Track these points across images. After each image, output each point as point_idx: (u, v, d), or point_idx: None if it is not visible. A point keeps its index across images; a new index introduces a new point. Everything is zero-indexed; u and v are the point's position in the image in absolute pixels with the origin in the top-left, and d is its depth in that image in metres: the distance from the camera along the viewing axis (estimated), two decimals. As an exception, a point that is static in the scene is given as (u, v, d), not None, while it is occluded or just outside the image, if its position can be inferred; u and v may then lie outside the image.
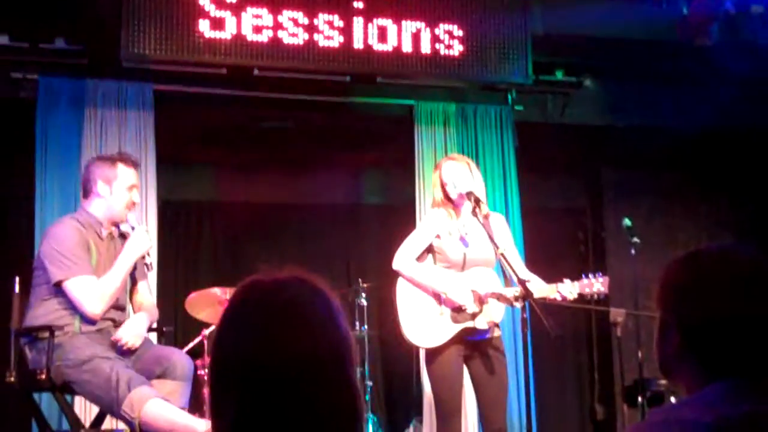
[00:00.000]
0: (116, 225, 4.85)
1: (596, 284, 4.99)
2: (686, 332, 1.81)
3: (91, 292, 4.49)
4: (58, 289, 4.52)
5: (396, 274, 5.15)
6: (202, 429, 4.18)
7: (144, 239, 4.75)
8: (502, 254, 4.91)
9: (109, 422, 5.09)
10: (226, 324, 1.63)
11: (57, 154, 6.84)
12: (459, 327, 4.99)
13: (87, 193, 4.80)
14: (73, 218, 4.78)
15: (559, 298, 4.96)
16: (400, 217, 7.51)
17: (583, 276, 5.02)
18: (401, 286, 5.12)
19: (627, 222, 6.94)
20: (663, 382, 7.67)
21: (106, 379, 4.25)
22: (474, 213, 5.03)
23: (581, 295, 4.98)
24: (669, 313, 1.86)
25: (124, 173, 4.77)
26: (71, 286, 4.49)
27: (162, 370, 4.42)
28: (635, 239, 6.82)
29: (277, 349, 1.54)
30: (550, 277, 5.09)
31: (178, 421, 4.23)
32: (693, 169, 9.09)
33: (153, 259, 4.98)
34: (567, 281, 4.98)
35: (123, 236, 4.88)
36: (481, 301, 4.98)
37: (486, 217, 5.05)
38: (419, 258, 5.16)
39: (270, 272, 1.67)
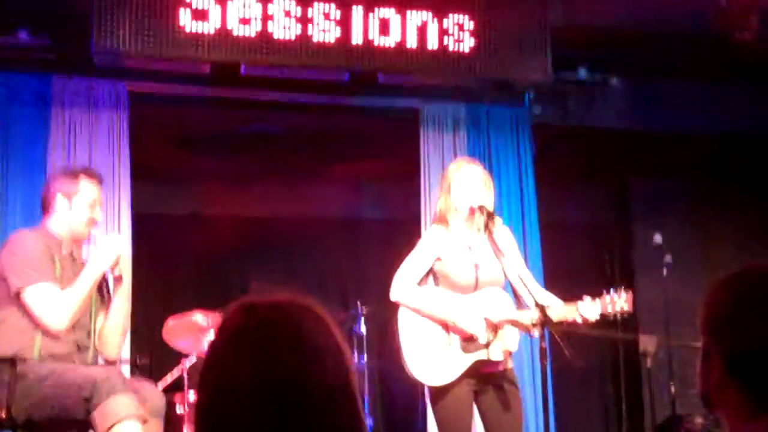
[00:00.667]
0: (77, 245, 4.88)
1: (618, 301, 4.96)
2: (729, 361, 1.81)
3: (54, 302, 4.51)
4: (17, 304, 4.53)
5: (396, 306, 5.13)
6: None
7: (112, 245, 4.77)
8: (519, 277, 4.91)
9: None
10: (220, 352, 1.64)
11: (20, 160, 6.86)
12: (471, 359, 4.95)
13: (46, 208, 4.84)
14: (34, 231, 4.82)
15: (579, 321, 4.95)
16: (404, 233, 7.50)
17: (604, 292, 5.01)
18: (403, 314, 5.07)
19: (658, 238, 6.96)
20: (699, 420, 7.67)
21: (71, 383, 4.28)
22: (486, 229, 5.02)
23: (603, 315, 4.97)
24: (711, 340, 1.86)
25: (87, 188, 4.81)
26: (32, 295, 4.50)
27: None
28: (667, 257, 6.83)
29: (283, 378, 1.56)
30: (572, 301, 5.08)
31: None
32: (733, 177, 9.07)
33: (125, 272, 4.97)
34: (587, 299, 4.96)
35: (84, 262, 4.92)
36: (495, 328, 4.97)
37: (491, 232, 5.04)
38: (419, 282, 5.14)
39: (264, 295, 1.68)
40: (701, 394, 1.89)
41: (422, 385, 6.31)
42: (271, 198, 8.81)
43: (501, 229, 5.17)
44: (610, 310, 4.95)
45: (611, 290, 5.00)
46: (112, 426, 4.18)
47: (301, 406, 1.55)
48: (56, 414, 4.39)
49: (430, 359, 4.98)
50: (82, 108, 7.01)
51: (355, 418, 1.62)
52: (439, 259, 5.10)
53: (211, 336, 6.37)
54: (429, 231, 5.27)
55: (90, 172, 4.92)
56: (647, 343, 6.33)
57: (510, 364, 5.14)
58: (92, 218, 4.83)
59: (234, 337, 1.64)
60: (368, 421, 7.42)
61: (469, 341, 4.96)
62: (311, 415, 1.55)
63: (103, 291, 4.94)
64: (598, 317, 4.95)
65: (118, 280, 4.91)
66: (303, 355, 1.59)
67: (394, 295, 5.08)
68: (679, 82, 8.44)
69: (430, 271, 5.15)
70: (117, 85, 7.10)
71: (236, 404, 1.56)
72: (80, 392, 4.26)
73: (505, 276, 5.09)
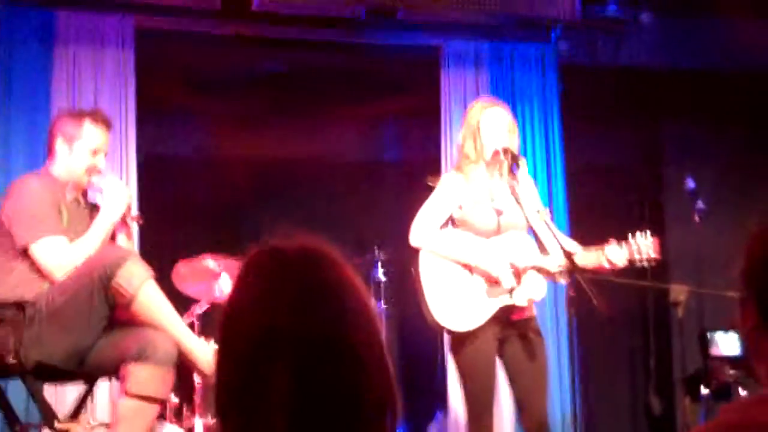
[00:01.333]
0: (81, 192, 4.89)
1: (643, 246, 5.00)
2: (765, 312, 1.81)
3: (63, 256, 4.53)
4: (25, 256, 4.56)
5: (416, 251, 5.14)
6: (194, 345, 4.44)
7: (122, 193, 4.80)
8: (545, 221, 4.92)
9: (86, 414, 5.15)
10: (241, 298, 1.63)
11: (23, 99, 6.86)
12: (497, 304, 4.98)
13: (49, 151, 4.84)
14: (39, 177, 4.83)
15: (606, 266, 4.97)
16: (424, 175, 7.51)
17: (630, 238, 5.02)
18: (425, 258, 5.09)
19: (690, 183, 6.94)
20: (732, 371, 7.70)
21: (83, 271, 4.38)
22: (510, 173, 5.02)
23: (630, 262, 4.99)
24: (747, 287, 1.86)
25: (90, 133, 4.78)
26: (40, 249, 4.53)
27: (139, 350, 4.42)
28: (700, 204, 6.81)
29: (307, 328, 1.55)
30: (598, 245, 5.08)
31: (171, 321, 4.45)
32: (770, 121, 9.04)
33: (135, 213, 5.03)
34: (613, 243, 4.98)
35: (93, 206, 4.93)
36: (519, 274, 4.98)
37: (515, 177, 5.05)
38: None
39: (284, 239, 1.67)
40: (741, 341, 1.90)
41: (442, 334, 6.37)
42: (284, 140, 8.80)
43: (522, 173, 5.16)
44: (637, 256, 4.97)
45: (637, 235, 5.01)
46: (141, 285, 4.31)
47: (324, 357, 1.55)
48: (64, 317, 4.41)
49: (455, 304, 5.00)
50: (87, 44, 7.00)
51: (386, 373, 1.62)
52: (460, 207, 5.11)
53: (223, 281, 6.41)
54: (447, 177, 5.25)
55: (96, 116, 4.86)
56: (678, 292, 6.33)
57: (534, 312, 5.15)
58: (93, 165, 4.80)
59: (256, 283, 1.63)
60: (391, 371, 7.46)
61: (494, 286, 4.97)
62: (336, 367, 1.55)
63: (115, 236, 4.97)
64: (625, 263, 4.96)
65: (123, 224, 4.93)
66: (328, 305, 1.59)
67: (415, 239, 5.09)
68: (715, 18, 8.36)
69: (450, 218, 5.16)
70: (124, 21, 7.08)
71: (257, 354, 1.55)
72: (92, 273, 4.32)
73: (528, 222, 5.08)
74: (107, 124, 4.88)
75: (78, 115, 4.87)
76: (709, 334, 6.41)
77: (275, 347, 1.54)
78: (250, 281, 1.64)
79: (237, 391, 1.58)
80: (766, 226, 1.90)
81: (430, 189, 5.27)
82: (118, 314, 4.44)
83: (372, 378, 1.59)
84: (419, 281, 5.08)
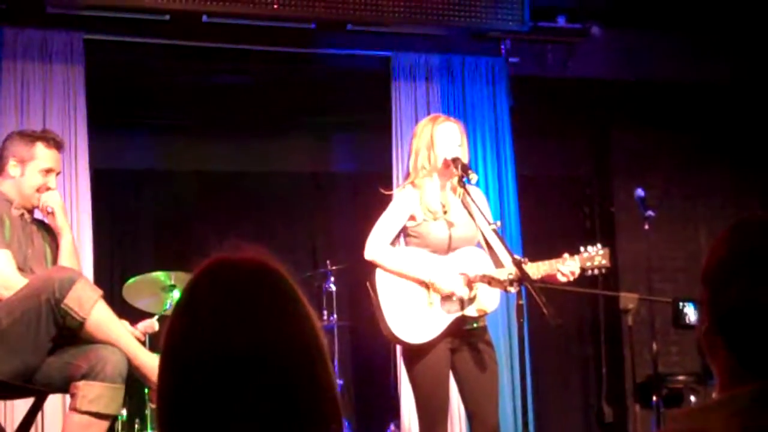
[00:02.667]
0: (29, 210, 4.87)
1: (597, 257, 5.06)
2: (717, 317, 1.79)
3: (6, 269, 4.50)
4: None
5: (370, 264, 5.14)
6: (147, 360, 4.35)
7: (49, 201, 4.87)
8: (494, 230, 4.93)
9: (34, 430, 5.10)
10: (189, 310, 1.60)
11: (-30, 116, 6.79)
12: (452, 317, 5.00)
13: (0, 169, 4.83)
14: None
15: (558, 276, 5.00)
16: (375, 187, 7.50)
17: (581, 249, 5.07)
18: (381, 273, 5.10)
19: (639, 193, 6.97)
20: (681, 377, 7.75)
21: (27, 296, 4.30)
22: (460, 183, 5.04)
23: (582, 270, 5.03)
24: (704, 290, 1.84)
25: (42, 155, 4.80)
26: None
27: (89, 368, 4.40)
28: (649, 212, 6.85)
29: (260, 339, 1.53)
30: (551, 257, 5.11)
31: (124, 338, 4.37)
32: (717, 130, 9.11)
33: (65, 225, 4.99)
34: (566, 256, 5.02)
35: (40, 221, 4.92)
36: (470, 284, 5.00)
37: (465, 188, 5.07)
38: (391, 243, 5.16)
39: (233, 251, 1.64)
40: (697, 342, 1.87)
41: (394, 345, 6.36)
42: (235, 152, 8.77)
43: (473, 188, 5.18)
44: (588, 264, 5.02)
45: (588, 246, 5.07)
46: (92, 307, 4.26)
47: (277, 369, 1.53)
48: (20, 342, 4.36)
49: (410, 317, 5.00)
50: (36, 59, 6.93)
51: (328, 385, 1.60)
52: (412, 218, 5.11)
53: (174, 295, 6.38)
54: (401, 191, 5.24)
55: (48, 138, 4.87)
56: (628, 300, 6.33)
57: (484, 322, 5.17)
58: (44, 184, 4.81)
59: (205, 294, 1.60)
60: (338, 382, 7.45)
61: (448, 300, 4.99)
62: (288, 379, 1.53)
63: (56, 243, 4.94)
64: (577, 273, 5.00)
65: (60, 233, 4.91)
66: (282, 315, 1.57)
67: (369, 254, 5.09)
68: (662, 30, 8.44)
69: (402, 230, 5.16)
70: (72, 36, 7.02)
71: (205, 366, 1.52)
72: (40, 296, 4.27)
73: (483, 235, 5.10)
74: (59, 145, 4.91)
75: (30, 137, 4.86)
76: (681, 304, 6.41)
77: (229, 359, 1.51)
78: (199, 293, 1.61)
79: (184, 404, 1.54)
80: (728, 228, 1.87)
81: (383, 197, 5.26)
82: (67, 332, 4.39)
83: (319, 393, 1.58)
84: (375, 294, 5.07)
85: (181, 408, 1.55)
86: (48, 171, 4.81)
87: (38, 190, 4.80)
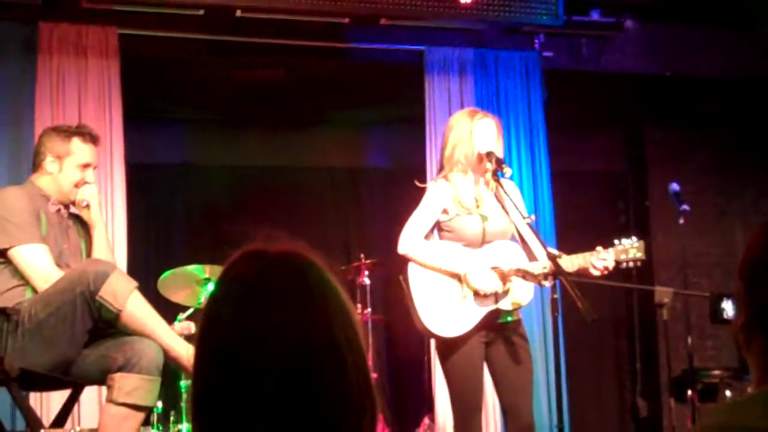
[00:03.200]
0: (65, 205, 4.89)
1: (631, 249, 5.02)
2: (753, 311, 1.78)
3: (43, 262, 4.54)
4: (4, 262, 4.56)
5: (403, 258, 5.13)
6: (184, 352, 4.35)
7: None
8: (528, 224, 4.91)
9: (71, 421, 5.13)
10: (223, 302, 1.60)
11: (7, 112, 6.84)
12: (485, 310, 4.99)
13: (36, 166, 4.88)
14: (21, 187, 4.88)
15: (592, 270, 4.97)
16: (408, 182, 7.49)
17: (615, 242, 5.05)
18: (414, 267, 5.10)
19: (674, 187, 6.93)
20: (716, 372, 7.69)
21: (63, 290, 4.34)
22: (494, 177, 5.02)
23: (617, 263, 5.00)
24: (740, 284, 1.83)
25: (79, 150, 4.83)
26: (19, 254, 4.54)
27: (125, 360, 4.43)
28: (684, 207, 6.81)
29: (290, 331, 1.53)
30: (585, 252, 5.09)
31: (159, 329, 4.40)
32: (752, 125, 9.05)
33: (98, 217, 5.03)
34: (600, 249, 5.00)
35: (75, 216, 4.95)
36: (504, 278, 4.98)
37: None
38: (425, 237, 5.15)
39: (266, 243, 1.64)
40: (734, 336, 1.86)
41: (428, 339, 6.36)
42: (269, 146, 8.80)
43: (507, 182, 5.16)
44: (623, 257, 4.99)
45: (622, 239, 5.04)
46: (126, 298, 4.30)
47: (308, 361, 1.52)
48: (50, 335, 4.40)
49: (444, 311, 4.99)
50: (71, 55, 6.97)
51: (364, 374, 1.60)
52: (445, 212, 5.10)
53: (208, 288, 6.41)
54: (435, 184, 5.23)
55: (84, 133, 4.90)
56: (663, 294, 6.31)
57: (518, 316, 5.15)
58: (82, 179, 4.84)
59: (237, 285, 1.59)
60: (372, 375, 7.44)
61: (481, 294, 4.98)
62: (318, 372, 1.53)
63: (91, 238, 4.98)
64: (612, 266, 4.97)
65: (93, 226, 4.95)
66: (312, 308, 1.56)
67: (402, 248, 5.09)
68: (698, 25, 8.38)
69: (435, 225, 5.16)
70: (107, 31, 7.05)
71: (238, 358, 1.52)
72: (75, 288, 4.31)
73: (517, 228, 5.09)
74: (95, 139, 4.93)
75: (66, 132, 4.89)
76: (719, 299, 6.36)
77: (260, 351, 1.51)
78: (231, 284, 1.61)
79: (218, 395, 1.54)
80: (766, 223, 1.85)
81: (416, 191, 5.25)
82: (103, 325, 4.42)
83: (355, 381, 1.57)
84: (408, 288, 5.07)
85: (212, 398, 1.55)
86: (85, 166, 4.85)
87: (76, 185, 4.84)
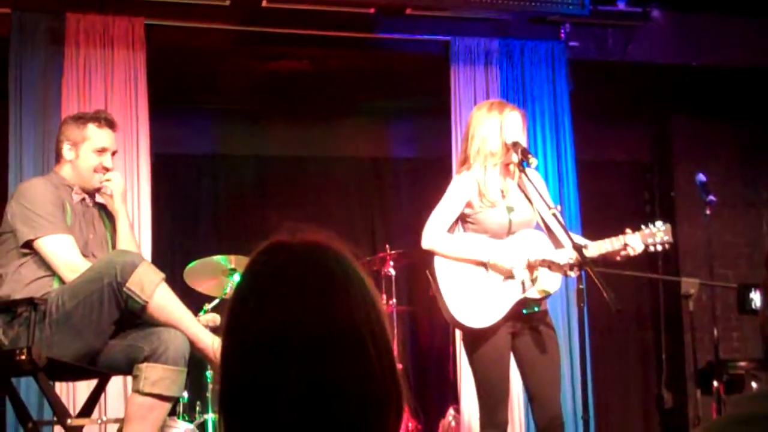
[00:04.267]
0: (89, 193, 4.91)
1: (659, 233, 5.02)
2: None
3: (70, 253, 4.56)
4: (31, 253, 4.59)
5: (428, 252, 5.12)
6: (210, 343, 4.39)
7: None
8: (554, 215, 4.90)
9: (97, 411, 5.14)
10: (247, 292, 1.60)
11: (34, 102, 6.84)
12: (513, 300, 4.97)
13: (57, 156, 4.94)
14: (45, 178, 4.92)
15: (620, 250, 4.97)
16: (434, 172, 7.50)
17: (642, 226, 5.04)
18: (440, 260, 5.08)
19: (701, 178, 6.89)
20: (742, 363, 7.66)
21: (90, 280, 4.37)
22: (520, 168, 5.01)
23: (645, 247, 5.00)
24: (766, 275, 1.81)
25: (95, 135, 4.85)
26: (45, 245, 4.57)
27: (151, 350, 4.44)
28: (710, 198, 6.77)
29: (313, 322, 1.53)
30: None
31: (186, 320, 4.44)
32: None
33: (121, 207, 5.05)
34: (628, 231, 4.99)
35: (101, 206, 4.97)
36: (531, 268, 4.97)
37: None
38: (448, 230, 5.14)
39: (292, 234, 1.64)
40: (760, 327, 1.84)
41: (454, 329, 6.35)
42: (294, 137, 8.81)
43: (532, 172, 5.15)
44: (650, 240, 4.98)
45: (649, 224, 5.03)
46: (154, 289, 4.33)
47: (331, 351, 1.52)
48: (77, 323, 4.42)
49: (473, 302, 4.98)
50: (97, 46, 6.98)
51: (390, 364, 1.59)
52: (470, 205, 5.09)
53: (234, 278, 6.42)
54: (459, 176, 5.21)
55: (99, 118, 4.93)
56: (689, 285, 6.27)
57: (545, 306, 5.14)
58: (100, 164, 4.85)
59: (262, 276, 1.60)
60: (397, 366, 7.45)
61: (508, 280, 4.96)
62: (343, 361, 1.53)
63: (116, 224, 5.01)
64: (640, 248, 4.97)
65: (117, 216, 4.97)
66: (335, 298, 1.56)
67: (427, 243, 5.06)
68: (725, 14, 8.33)
69: (460, 217, 5.14)
70: (133, 21, 7.06)
71: (263, 349, 1.52)
72: (102, 279, 4.34)
73: (542, 218, 5.08)
74: (111, 124, 4.94)
75: (81, 118, 4.92)
76: (747, 290, 6.32)
77: (284, 341, 1.51)
78: (257, 275, 1.61)
79: (244, 386, 1.55)
80: None
81: (442, 182, 5.25)
82: (129, 315, 4.44)
83: (379, 371, 1.56)
84: (435, 280, 5.06)
85: (238, 389, 1.55)
86: (102, 150, 4.86)
87: (95, 171, 4.86)
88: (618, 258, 5.03)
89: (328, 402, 1.51)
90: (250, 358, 1.54)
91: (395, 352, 1.63)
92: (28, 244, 4.58)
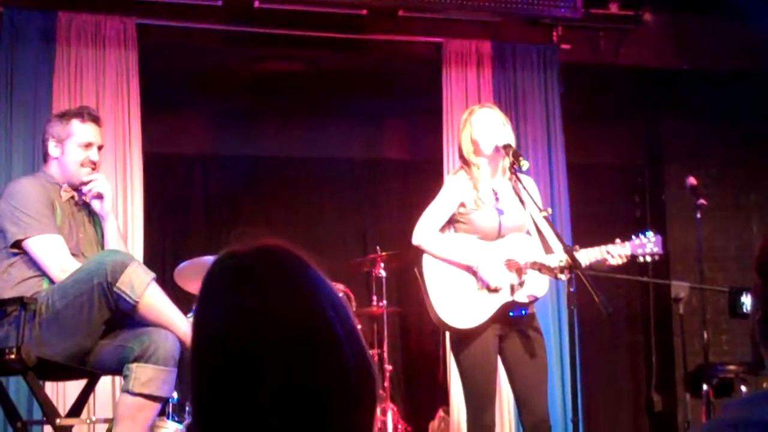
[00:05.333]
0: (77, 190, 4.90)
1: (649, 244, 5.04)
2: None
3: (59, 253, 4.56)
4: (20, 253, 4.58)
5: (417, 250, 5.14)
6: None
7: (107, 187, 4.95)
8: (545, 218, 4.91)
9: (86, 411, 5.13)
10: (203, 302, 1.63)
11: (25, 101, 6.82)
12: (500, 302, 4.99)
13: (44, 155, 4.93)
14: (34, 177, 4.91)
15: (609, 259, 4.99)
16: (426, 174, 7.51)
17: (632, 237, 5.06)
18: (428, 259, 5.11)
19: (692, 180, 6.90)
20: (732, 367, 7.68)
21: (80, 280, 4.35)
22: (512, 171, 5.02)
23: (633, 257, 5.02)
24: (756, 279, 1.82)
25: (79, 130, 4.85)
26: (34, 245, 4.56)
27: (141, 350, 4.44)
28: (701, 201, 6.78)
29: (280, 319, 1.55)
30: (601, 245, 5.10)
31: (176, 320, 4.43)
32: (771, 119, 9.02)
33: (110, 209, 5.05)
34: (618, 241, 5.01)
35: (89, 207, 4.97)
36: (519, 271, 4.98)
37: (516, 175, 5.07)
38: (440, 230, 5.15)
39: (246, 242, 1.67)
40: (750, 332, 1.85)
41: (443, 331, 6.36)
42: (286, 137, 8.81)
43: (523, 175, 5.16)
44: (640, 251, 5.00)
45: (640, 234, 5.05)
46: (144, 290, 4.31)
47: (305, 348, 1.55)
48: (67, 326, 4.42)
49: (458, 303, 5.01)
50: (89, 45, 6.97)
51: (363, 357, 1.62)
52: (462, 205, 5.10)
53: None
54: (451, 177, 5.24)
55: (82, 113, 4.93)
56: (679, 289, 6.29)
57: (532, 309, 5.15)
58: (87, 158, 4.85)
59: (213, 285, 1.63)
60: (387, 367, 7.46)
61: (492, 288, 4.98)
62: (315, 349, 1.56)
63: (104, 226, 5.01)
64: (627, 258, 4.99)
65: (105, 218, 4.97)
66: (288, 298, 1.59)
67: (417, 239, 5.10)
68: (717, 18, 8.34)
69: (452, 218, 5.16)
70: (125, 21, 7.06)
71: (221, 354, 1.55)
72: (92, 279, 4.33)
73: (533, 221, 5.10)
74: (95, 119, 4.94)
75: (65, 115, 4.93)
76: (738, 293, 6.32)
77: (256, 340, 1.54)
78: (210, 287, 1.64)
79: (206, 396, 1.58)
80: None
81: (434, 183, 5.27)
82: (119, 315, 4.44)
83: (352, 365, 1.59)
84: (423, 280, 5.08)
85: (206, 396, 1.58)
86: (87, 145, 4.85)
87: (82, 165, 4.85)
88: (610, 261, 5.05)
89: (309, 400, 1.53)
90: (209, 367, 1.57)
91: (378, 355, 1.65)
92: (17, 244, 4.58)
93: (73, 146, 4.83)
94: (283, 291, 1.59)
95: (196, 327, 1.63)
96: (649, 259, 5.10)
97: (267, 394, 1.52)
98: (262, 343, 1.54)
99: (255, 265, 1.62)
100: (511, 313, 5.03)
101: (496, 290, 4.97)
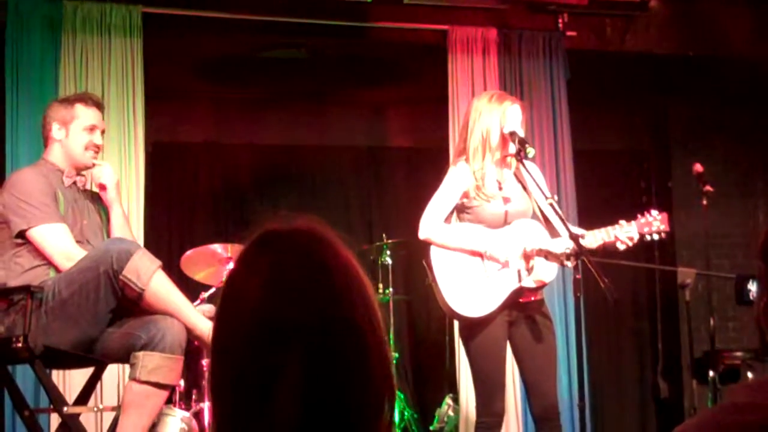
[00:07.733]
0: (80, 173, 4.90)
1: (655, 222, 5.03)
2: None
3: (64, 241, 4.56)
4: (25, 243, 4.59)
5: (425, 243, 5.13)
6: (207, 331, 4.33)
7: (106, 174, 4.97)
8: (551, 204, 4.90)
9: (93, 399, 5.14)
10: (236, 282, 1.60)
11: (31, 89, 6.82)
12: (509, 289, 4.99)
13: (45, 139, 4.92)
14: (34, 167, 4.89)
15: (620, 245, 4.98)
16: (431, 161, 7.50)
17: (638, 215, 5.05)
18: (437, 250, 5.10)
19: (698, 167, 6.89)
20: (738, 353, 7.68)
21: (86, 269, 4.36)
22: (518, 158, 5.00)
23: (641, 236, 5.01)
24: (761, 265, 1.81)
25: (83, 113, 4.87)
26: (38, 235, 4.56)
27: (148, 338, 4.44)
28: (708, 188, 6.77)
29: (312, 310, 1.53)
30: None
31: (183, 308, 4.43)
32: (776, 105, 9.00)
33: (115, 198, 5.05)
34: (623, 222, 5.00)
35: (95, 194, 4.98)
36: (527, 257, 4.98)
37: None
38: (445, 221, 5.15)
39: (283, 222, 1.64)
40: (755, 318, 1.84)
41: (450, 319, 6.36)
42: (291, 125, 8.81)
43: (529, 162, 5.13)
44: (646, 230, 4.99)
45: (645, 213, 5.04)
46: (150, 277, 4.32)
47: (331, 339, 1.52)
48: (73, 313, 4.42)
49: (469, 292, 5.00)
50: (95, 33, 6.96)
51: (384, 350, 1.60)
52: (466, 195, 5.09)
53: (230, 267, 6.42)
54: (456, 167, 5.21)
55: (86, 98, 4.96)
56: (685, 275, 6.29)
57: (541, 295, 5.15)
58: (91, 142, 4.85)
59: (258, 265, 1.59)
60: (393, 355, 7.47)
61: (504, 270, 4.97)
62: (343, 349, 1.53)
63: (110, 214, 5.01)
64: (635, 238, 4.98)
65: (111, 207, 4.97)
66: (333, 287, 1.56)
67: (423, 234, 5.08)
68: (724, 4, 8.31)
69: (456, 207, 5.15)
70: (131, 9, 7.05)
71: (261, 337, 1.52)
72: (98, 267, 4.33)
73: (539, 208, 5.09)
74: (98, 104, 4.97)
75: (67, 100, 4.96)
76: (745, 280, 6.31)
77: (281, 332, 1.51)
78: (249, 266, 1.61)
79: (240, 374, 1.54)
80: None
81: (439, 171, 5.25)
82: (126, 303, 4.44)
83: (375, 356, 1.57)
84: (432, 271, 5.07)
85: (234, 376, 1.55)
86: (92, 128, 4.87)
87: (87, 148, 4.86)
88: (618, 245, 5.04)
89: (332, 389, 1.51)
90: (247, 347, 1.54)
91: (391, 342, 1.64)
92: (22, 235, 4.58)
93: (78, 129, 4.84)
94: (320, 284, 1.56)
95: (223, 303, 1.60)
96: (656, 237, 5.08)
97: (289, 384, 1.50)
98: (299, 320, 1.52)
99: (288, 250, 1.60)
100: (522, 299, 5.03)
101: (506, 265, 4.96)
